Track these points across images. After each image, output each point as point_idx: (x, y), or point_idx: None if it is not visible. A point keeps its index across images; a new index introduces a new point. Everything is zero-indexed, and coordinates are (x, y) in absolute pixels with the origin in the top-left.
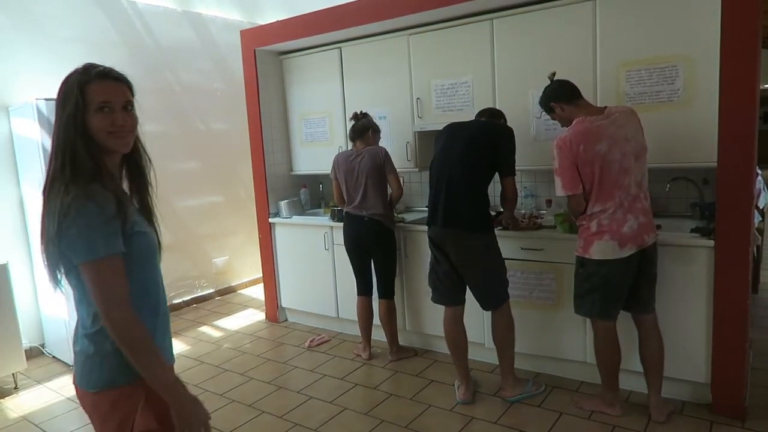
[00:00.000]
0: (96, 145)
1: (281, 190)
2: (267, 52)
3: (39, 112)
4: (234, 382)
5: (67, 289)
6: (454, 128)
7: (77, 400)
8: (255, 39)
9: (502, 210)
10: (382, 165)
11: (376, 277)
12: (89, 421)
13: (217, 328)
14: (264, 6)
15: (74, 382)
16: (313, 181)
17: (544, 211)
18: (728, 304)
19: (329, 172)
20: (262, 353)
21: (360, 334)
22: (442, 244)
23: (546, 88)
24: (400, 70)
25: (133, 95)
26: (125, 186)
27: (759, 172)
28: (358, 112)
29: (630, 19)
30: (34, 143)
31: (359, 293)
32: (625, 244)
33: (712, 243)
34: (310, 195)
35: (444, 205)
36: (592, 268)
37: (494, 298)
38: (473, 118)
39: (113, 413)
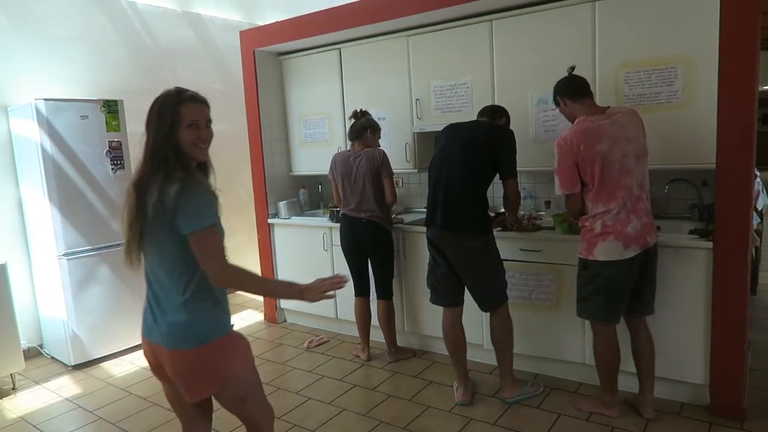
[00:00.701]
0: (182, 154)
1: (280, 191)
2: (266, 52)
3: (38, 112)
4: None
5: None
6: (453, 129)
7: (160, 363)
8: (254, 40)
9: (501, 211)
10: (379, 168)
11: (374, 278)
12: (174, 381)
13: None
14: (263, 7)
15: (161, 350)
16: (312, 181)
17: (543, 213)
18: (727, 305)
19: (328, 172)
20: (261, 354)
21: (359, 335)
22: (440, 245)
23: (558, 81)
24: (399, 71)
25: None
26: None
27: (757, 173)
28: (358, 111)
29: (629, 21)
30: (33, 144)
31: (357, 294)
32: (629, 244)
33: (710, 245)
34: (309, 196)
35: (442, 206)
36: (596, 269)
37: (493, 300)
38: (475, 118)
39: (209, 362)
